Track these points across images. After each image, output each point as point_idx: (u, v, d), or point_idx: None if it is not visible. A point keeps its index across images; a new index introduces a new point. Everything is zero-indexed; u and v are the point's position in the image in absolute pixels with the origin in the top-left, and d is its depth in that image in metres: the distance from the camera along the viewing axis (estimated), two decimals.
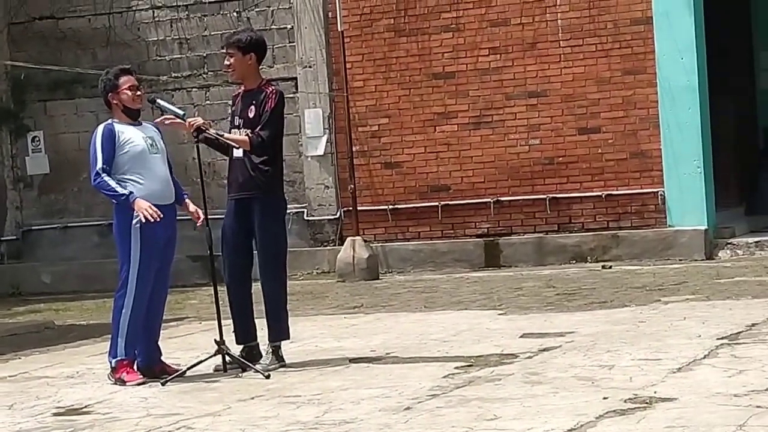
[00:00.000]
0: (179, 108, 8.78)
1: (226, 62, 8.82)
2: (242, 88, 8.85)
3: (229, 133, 8.72)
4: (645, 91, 15.33)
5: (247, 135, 8.58)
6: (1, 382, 8.94)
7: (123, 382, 8.33)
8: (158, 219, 8.23)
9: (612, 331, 9.22)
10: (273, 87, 8.77)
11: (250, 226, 8.63)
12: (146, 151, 8.46)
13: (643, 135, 15.39)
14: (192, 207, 8.69)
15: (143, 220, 8.22)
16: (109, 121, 8.54)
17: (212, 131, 8.70)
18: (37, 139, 17.92)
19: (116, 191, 8.27)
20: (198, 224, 8.61)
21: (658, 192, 15.31)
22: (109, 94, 8.56)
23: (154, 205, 8.31)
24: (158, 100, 8.73)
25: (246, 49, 8.69)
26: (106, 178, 8.30)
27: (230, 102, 9.19)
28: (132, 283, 8.35)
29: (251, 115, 8.62)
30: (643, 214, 15.43)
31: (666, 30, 15.12)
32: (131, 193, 8.26)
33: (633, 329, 9.29)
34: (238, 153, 8.65)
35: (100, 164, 8.32)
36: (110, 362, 8.46)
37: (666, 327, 9.27)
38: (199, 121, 8.63)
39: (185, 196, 8.73)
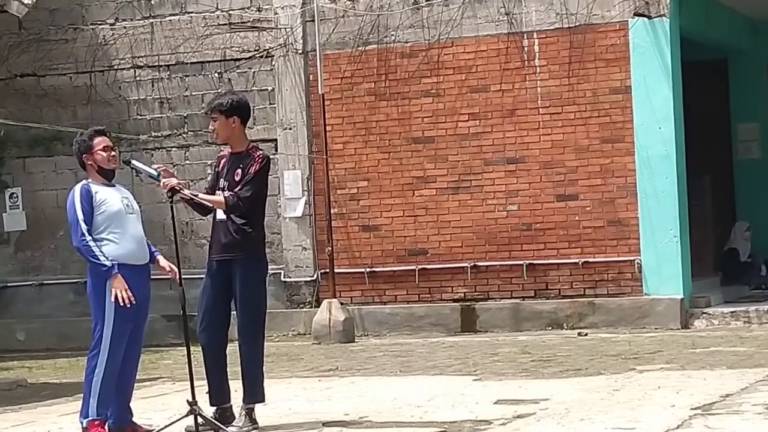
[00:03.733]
0: (154, 168, 8.78)
1: (210, 127, 8.86)
2: (228, 150, 8.86)
3: (214, 194, 8.73)
4: (623, 159, 15.42)
5: (224, 196, 8.59)
6: None
7: None
8: (128, 305, 8.23)
9: (586, 399, 9.21)
10: (261, 152, 8.79)
11: (230, 287, 8.62)
12: (122, 211, 8.47)
13: (620, 203, 15.46)
14: (164, 262, 8.68)
15: (113, 300, 8.21)
16: (85, 181, 8.54)
17: (186, 192, 8.71)
18: (15, 195, 17.88)
19: (99, 260, 8.26)
20: (172, 278, 8.58)
21: (634, 260, 15.36)
22: (84, 155, 8.57)
23: (130, 266, 8.32)
24: (133, 161, 8.74)
25: (229, 112, 8.71)
26: (91, 244, 8.28)
27: (213, 162, 9.18)
28: (105, 343, 8.31)
29: (237, 178, 8.63)
30: (620, 282, 15.47)
31: (644, 99, 15.25)
32: (113, 266, 8.24)
33: (607, 397, 9.28)
34: (220, 215, 8.65)
35: (84, 226, 8.30)
36: (81, 422, 8.40)
37: (640, 396, 9.27)
38: (173, 182, 8.63)
39: (156, 253, 8.73)
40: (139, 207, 8.76)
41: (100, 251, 8.27)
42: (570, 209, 15.66)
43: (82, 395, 8.48)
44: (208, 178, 9.14)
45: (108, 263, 8.25)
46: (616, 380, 10.31)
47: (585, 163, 15.61)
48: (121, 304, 8.24)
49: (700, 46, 16.62)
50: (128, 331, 8.39)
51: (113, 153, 8.63)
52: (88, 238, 8.29)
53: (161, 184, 8.61)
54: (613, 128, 15.48)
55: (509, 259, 15.86)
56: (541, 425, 8.14)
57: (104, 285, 8.31)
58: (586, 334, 14.62)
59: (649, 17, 15.27)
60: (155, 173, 8.69)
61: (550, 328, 15.38)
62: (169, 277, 8.62)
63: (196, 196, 8.71)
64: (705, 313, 15.22)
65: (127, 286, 8.26)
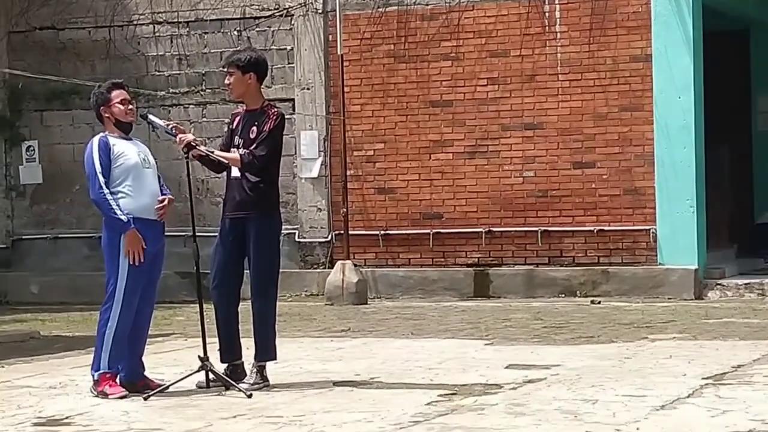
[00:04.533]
0: (170, 123, 8.76)
1: (226, 81, 8.83)
2: (243, 107, 8.84)
3: (229, 152, 8.70)
4: (641, 128, 15.36)
5: (239, 153, 8.57)
6: None
7: (105, 395, 8.28)
8: (136, 264, 8.22)
9: (597, 366, 9.21)
10: (276, 109, 8.77)
11: (244, 245, 8.61)
12: (139, 165, 8.45)
13: (637, 172, 15.41)
14: (164, 197, 8.51)
15: (129, 259, 8.20)
16: (102, 134, 8.52)
17: (202, 148, 8.69)
18: (31, 148, 17.91)
19: (116, 214, 8.23)
20: (160, 213, 8.49)
21: (650, 230, 15.32)
22: (101, 107, 8.56)
23: (143, 220, 8.31)
24: (149, 116, 8.71)
25: (245, 68, 8.68)
26: (109, 197, 8.26)
27: (228, 120, 9.15)
28: (118, 297, 8.32)
29: (252, 135, 8.60)
30: (634, 251, 15.44)
31: (664, 68, 15.17)
32: (129, 221, 8.23)
33: (618, 365, 9.27)
34: (235, 173, 8.63)
35: (101, 178, 8.28)
36: (93, 375, 8.42)
37: (652, 365, 9.25)
38: (189, 137, 8.61)
39: (166, 194, 8.63)
40: (155, 163, 8.74)
41: (117, 205, 8.26)
42: (587, 177, 15.61)
43: (94, 348, 8.50)
44: (224, 137, 9.09)
45: (124, 217, 8.24)
46: (627, 348, 10.30)
47: (603, 131, 15.55)
48: (133, 263, 8.24)
49: (722, 15, 16.50)
50: (141, 285, 8.39)
51: (131, 106, 8.62)
52: (106, 190, 8.28)
53: (177, 139, 8.59)
54: (633, 96, 15.42)
55: (524, 225, 15.84)
56: (551, 390, 8.14)
57: (118, 239, 8.32)
58: (599, 302, 14.61)
59: None
60: (171, 128, 8.67)
61: (563, 295, 15.37)
62: (162, 211, 8.47)
63: (212, 152, 8.69)
64: (719, 284, 15.19)
65: (142, 243, 8.25)
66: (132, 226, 8.24)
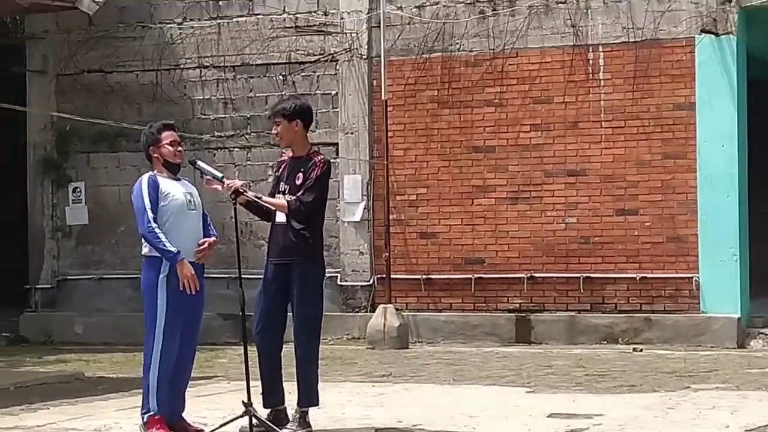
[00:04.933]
0: (218, 170, 8.86)
1: (273, 130, 8.93)
2: (289, 154, 8.93)
3: (274, 198, 8.79)
4: (684, 176, 15.36)
5: (286, 200, 8.65)
6: None
7: None
8: (193, 293, 8.31)
9: (640, 416, 9.19)
10: (321, 156, 8.86)
11: (288, 290, 8.67)
12: (185, 206, 8.53)
13: (680, 220, 15.39)
14: (207, 239, 8.63)
15: (181, 288, 8.29)
16: (151, 172, 8.62)
17: (250, 194, 8.78)
18: (78, 189, 18.08)
19: (165, 247, 8.31)
20: (198, 255, 8.59)
21: (692, 277, 15.28)
22: (151, 147, 8.66)
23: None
24: (198, 162, 8.80)
25: (291, 116, 8.78)
26: (157, 230, 8.35)
27: (273, 166, 9.23)
28: (159, 337, 8.37)
29: (298, 182, 8.68)
30: (677, 298, 15.40)
31: (708, 117, 15.17)
32: (179, 252, 8.31)
33: (662, 415, 9.25)
34: (280, 218, 8.70)
35: (150, 214, 8.37)
36: (142, 417, 8.46)
37: (695, 415, 9.23)
38: (237, 183, 8.69)
39: (212, 234, 8.73)
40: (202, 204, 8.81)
41: (166, 238, 8.33)
42: (629, 224, 15.61)
43: (138, 390, 8.55)
44: (270, 180, 9.18)
45: (173, 249, 8.30)
46: (670, 398, 10.27)
47: (646, 178, 15.55)
48: (187, 291, 8.29)
49: (766, 63, 16.50)
50: (181, 325, 8.42)
51: (180, 148, 8.71)
52: (154, 225, 8.35)
53: (225, 185, 8.67)
54: (676, 144, 15.42)
55: (566, 271, 15.83)
56: None
57: (158, 279, 8.38)
58: (641, 350, 14.57)
59: (716, 34, 15.20)
60: (220, 175, 8.76)
61: (605, 342, 15.33)
62: (201, 254, 8.58)
63: (260, 198, 8.77)
64: (762, 333, 15.11)
65: (194, 272, 8.32)
66: (182, 257, 8.30)
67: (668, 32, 15.47)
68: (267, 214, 8.85)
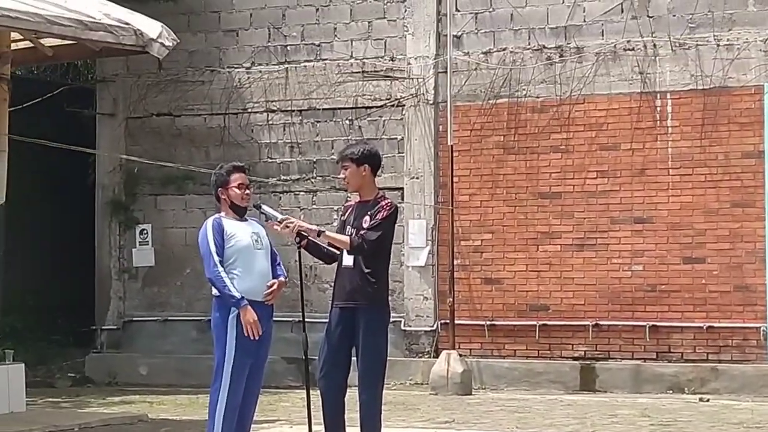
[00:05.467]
0: (281, 213, 8.90)
1: (341, 175, 8.96)
2: (356, 199, 8.95)
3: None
4: (753, 224, 15.21)
5: (349, 237, 8.66)
6: None
7: None
8: (256, 338, 8.33)
9: None
10: (389, 200, 8.88)
11: (353, 334, 8.66)
12: (251, 246, 8.59)
13: (748, 269, 15.23)
14: (275, 280, 8.66)
15: (245, 334, 8.32)
16: (217, 215, 8.69)
17: (312, 227, 8.75)
18: (145, 231, 18.23)
19: (230, 292, 8.37)
20: (268, 296, 8.58)
21: (760, 327, 15.10)
22: (219, 188, 8.73)
23: (253, 302, 8.41)
24: (263, 206, 8.85)
25: (359, 161, 8.81)
26: (223, 275, 8.41)
27: (339, 210, 9.26)
28: (226, 378, 8.41)
29: (365, 225, 8.70)
30: (744, 348, 15.21)
31: None
32: (242, 298, 8.35)
33: None
34: (347, 262, 8.72)
35: (216, 257, 8.44)
36: None
37: None
38: (299, 222, 8.69)
39: (281, 275, 8.75)
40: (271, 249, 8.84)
41: (231, 283, 8.38)
42: (696, 272, 15.46)
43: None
44: (335, 225, 9.20)
45: (237, 294, 8.36)
46: None
47: (714, 227, 15.42)
48: (251, 337, 8.33)
49: None
50: (248, 365, 8.47)
51: (248, 191, 8.78)
52: (220, 269, 8.41)
53: (289, 228, 8.65)
54: (744, 192, 15.28)
55: (632, 319, 15.70)
56: None
57: (228, 319, 8.42)
58: (707, 400, 14.39)
59: None
60: (280, 217, 8.79)
61: (671, 391, 15.16)
62: (270, 296, 8.60)
63: (323, 232, 8.75)
64: None
65: (256, 318, 8.35)
66: (246, 303, 8.34)
67: (737, 80, 15.37)
68: (329, 256, 8.85)
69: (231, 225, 8.61)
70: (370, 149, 8.95)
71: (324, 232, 8.77)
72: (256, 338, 8.37)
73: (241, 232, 8.60)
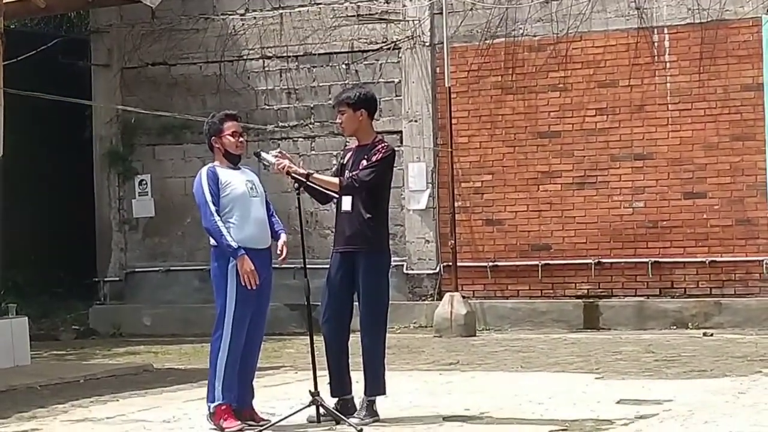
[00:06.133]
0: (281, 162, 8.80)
1: (338, 120, 8.89)
2: (355, 143, 8.89)
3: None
4: (753, 157, 15.16)
5: (339, 179, 8.61)
6: (99, 424, 9.05)
7: (221, 429, 8.35)
8: (253, 288, 8.31)
9: (710, 402, 9.08)
10: (386, 143, 8.82)
11: (354, 279, 8.65)
12: (246, 194, 8.55)
13: (749, 202, 15.20)
14: (280, 243, 8.67)
15: (242, 283, 8.30)
16: (211, 164, 8.64)
17: (301, 170, 8.64)
18: (144, 182, 18.20)
19: (227, 241, 8.33)
20: (280, 260, 8.60)
21: (763, 260, 15.09)
22: (213, 137, 8.68)
23: (251, 249, 8.38)
24: (262, 154, 8.78)
25: (356, 105, 8.74)
26: (219, 224, 8.37)
27: (339, 153, 9.18)
28: (228, 326, 8.40)
29: (362, 168, 8.63)
30: (747, 282, 15.22)
31: None
32: (239, 248, 8.32)
33: (732, 400, 9.13)
34: (345, 206, 8.68)
35: (212, 207, 8.40)
36: (209, 407, 8.49)
37: (766, 400, 9.09)
38: (285, 162, 8.59)
39: (280, 232, 8.74)
40: (266, 197, 8.81)
41: (228, 232, 8.36)
42: (697, 207, 15.44)
43: (206, 381, 8.57)
44: (333, 169, 9.15)
45: (234, 244, 8.33)
46: (741, 383, 10.14)
47: (714, 161, 15.37)
48: (248, 287, 8.31)
49: None
50: (250, 313, 8.46)
51: (241, 139, 8.72)
52: (217, 218, 8.38)
53: (275, 167, 8.56)
54: (744, 126, 15.23)
55: (634, 256, 15.69)
56: (663, 427, 8.04)
57: (227, 269, 8.41)
58: (711, 335, 14.40)
59: None
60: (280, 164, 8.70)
61: (674, 327, 15.18)
62: (279, 260, 8.62)
63: (311, 174, 8.65)
64: None
65: (253, 268, 8.33)
66: (242, 252, 8.32)
67: (734, 12, 15.28)
68: (325, 197, 8.79)
69: (225, 174, 8.56)
70: (366, 93, 8.88)
71: (312, 174, 8.68)
72: (254, 288, 8.34)
73: (236, 180, 8.55)
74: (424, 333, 15.71)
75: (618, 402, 9.21)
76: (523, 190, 16.24)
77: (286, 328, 15.94)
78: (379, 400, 8.72)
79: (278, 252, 8.64)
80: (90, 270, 18.48)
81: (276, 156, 8.68)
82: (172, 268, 18.03)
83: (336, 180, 8.64)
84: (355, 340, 8.74)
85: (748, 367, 11.28)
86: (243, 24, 17.66)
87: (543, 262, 16.08)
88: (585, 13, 15.89)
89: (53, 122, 18.33)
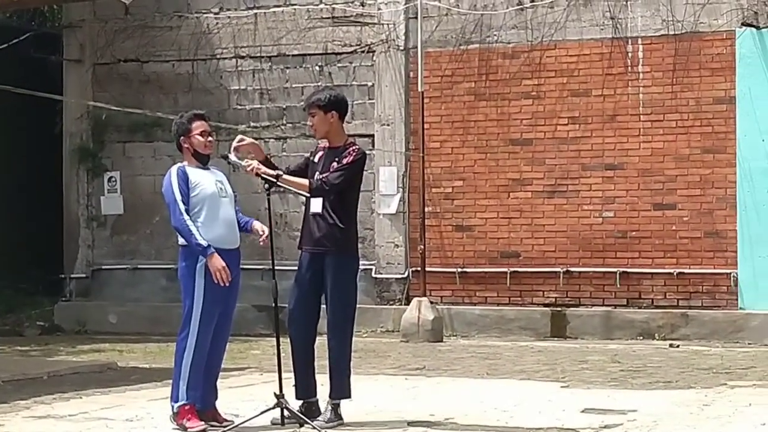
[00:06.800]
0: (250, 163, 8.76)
1: (309, 122, 8.85)
2: (326, 144, 8.84)
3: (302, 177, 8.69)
4: (723, 170, 15.21)
5: (309, 180, 8.57)
6: (62, 421, 8.97)
7: (185, 429, 8.30)
8: (226, 284, 8.27)
9: (675, 413, 9.08)
10: (357, 146, 8.79)
11: (322, 281, 8.61)
12: (216, 195, 8.49)
13: (719, 215, 15.25)
14: (258, 225, 8.67)
15: (215, 281, 8.25)
16: (180, 164, 8.59)
17: (271, 172, 8.61)
18: (113, 179, 18.11)
19: (197, 240, 8.27)
20: (261, 241, 8.58)
21: (731, 273, 15.14)
22: (181, 137, 8.62)
23: (220, 250, 8.33)
24: (230, 156, 8.72)
25: (327, 107, 8.70)
26: (189, 223, 8.31)
27: (309, 154, 9.10)
28: (194, 326, 8.35)
29: (332, 170, 8.59)
30: (715, 294, 15.26)
31: (748, 111, 15.02)
32: (209, 246, 8.27)
33: (697, 412, 9.14)
34: (315, 208, 8.64)
35: (182, 206, 8.35)
36: (172, 406, 8.43)
37: (731, 412, 9.11)
38: (254, 164, 8.55)
39: (250, 222, 8.70)
40: (234, 197, 8.76)
41: (198, 231, 8.30)
42: (667, 218, 15.47)
43: (171, 380, 8.51)
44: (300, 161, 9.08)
45: (204, 243, 8.28)
46: (706, 395, 10.15)
47: (684, 173, 15.42)
48: (220, 284, 8.26)
49: None
50: (216, 314, 8.42)
51: (210, 138, 8.67)
52: (186, 217, 8.33)
53: (245, 169, 8.52)
54: (715, 138, 15.28)
55: (603, 266, 15.71)
56: None
57: (195, 268, 8.35)
58: (677, 346, 14.44)
59: (758, 27, 15.05)
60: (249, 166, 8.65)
61: (641, 337, 15.21)
62: (262, 242, 8.59)
63: (281, 176, 8.62)
64: None
65: (225, 265, 8.28)
66: (212, 250, 8.27)
67: (708, 25, 15.32)
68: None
69: (195, 173, 8.50)
70: (337, 95, 8.84)
71: (281, 175, 8.64)
72: (227, 284, 8.29)
73: (206, 181, 8.50)
74: (391, 337, 15.68)
75: (583, 411, 9.20)
76: (494, 197, 16.24)
77: (252, 330, 15.89)
78: (344, 404, 8.68)
79: (260, 232, 8.58)
80: (56, 266, 18.36)
81: (240, 144, 8.60)
82: (139, 266, 17.94)
83: (305, 181, 8.60)
84: (321, 343, 8.70)
85: (713, 379, 11.30)
86: (217, 23, 17.60)
87: (512, 269, 16.09)
88: (560, 21, 15.91)
89: (23, 117, 18.22)
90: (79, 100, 17.82)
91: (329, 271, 8.58)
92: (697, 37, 15.36)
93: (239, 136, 8.77)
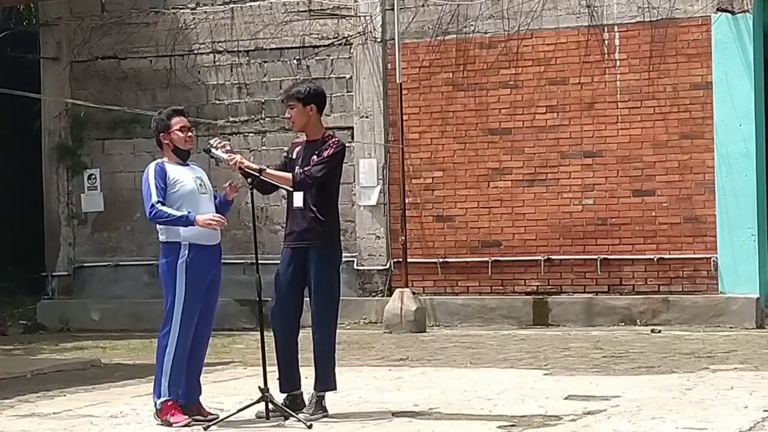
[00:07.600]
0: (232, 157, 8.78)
1: (287, 114, 8.86)
2: (303, 138, 8.86)
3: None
4: (702, 156, 15.27)
5: (292, 173, 8.58)
6: (46, 419, 8.97)
7: (169, 424, 8.31)
8: (224, 224, 8.29)
9: (658, 397, 9.14)
10: (336, 139, 8.81)
11: (305, 275, 8.62)
12: (195, 191, 8.49)
13: (698, 200, 15.31)
14: (227, 190, 8.71)
15: (215, 229, 8.26)
16: (159, 160, 8.58)
17: (254, 166, 8.64)
18: (93, 176, 18.08)
19: (174, 215, 8.26)
20: (228, 192, 8.62)
21: (710, 258, 15.21)
22: (161, 133, 8.60)
23: (201, 246, 8.34)
24: (212, 150, 8.73)
25: (306, 100, 8.71)
26: (162, 207, 8.30)
27: (287, 149, 9.13)
28: (176, 322, 8.35)
29: (312, 163, 8.61)
30: (695, 279, 15.33)
31: (725, 96, 15.08)
32: (189, 212, 8.27)
33: (679, 396, 9.20)
34: (297, 203, 8.65)
35: (155, 198, 8.34)
36: (155, 402, 8.44)
37: (713, 396, 9.17)
38: (237, 157, 8.58)
39: (221, 195, 8.77)
40: (214, 191, 8.77)
41: (171, 208, 8.27)
42: (646, 205, 15.54)
43: (154, 375, 8.53)
44: (279, 162, 9.11)
45: (183, 212, 8.25)
46: (688, 379, 10.21)
47: (663, 159, 15.48)
48: (217, 228, 8.26)
49: None
50: (198, 309, 8.42)
51: (190, 134, 8.66)
52: (155, 200, 8.28)
53: (231, 163, 8.55)
54: (693, 124, 15.34)
55: (583, 253, 15.77)
56: (611, 423, 8.08)
57: (176, 264, 8.35)
58: (659, 331, 14.51)
59: (732, 12, 15.10)
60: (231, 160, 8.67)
61: (623, 323, 15.27)
62: (234, 195, 8.64)
63: (264, 170, 8.64)
64: None
65: (213, 214, 8.29)
66: (194, 214, 8.25)
67: (684, 11, 15.38)
68: (268, 189, 8.78)
69: (174, 170, 8.49)
70: (316, 88, 8.85)
71: (265, 170, 8.66)
72: (224, 227, 8.30)
73: (185, 177, 8.49)
74: (374, 329, 15.71)
75: (566, 398, 9.25)
76: (474, 187, 16.28)
77: (235, 324, 15.90)
78: (329, 396, 8.71)
79: (233, 185, 8.63)
80: (38, 264, 18.34)
81: (222, 147, 8.62)
82: (121, 263, 17.93)
83: (288, 175, 8.61)
84: (305, 336, 8.72)
85: (695, 363, 11.37)
86: (194, 18, 17.59)
87: (493, 258, 16.14)
88: (536, 10, 15.94)
89: (1, 116, 18.16)
90: (57, 98, 17.79)
91: (312, 264, 8.60)
92: (673, 24, 15.42)
93: (220, 140, 8.77)
